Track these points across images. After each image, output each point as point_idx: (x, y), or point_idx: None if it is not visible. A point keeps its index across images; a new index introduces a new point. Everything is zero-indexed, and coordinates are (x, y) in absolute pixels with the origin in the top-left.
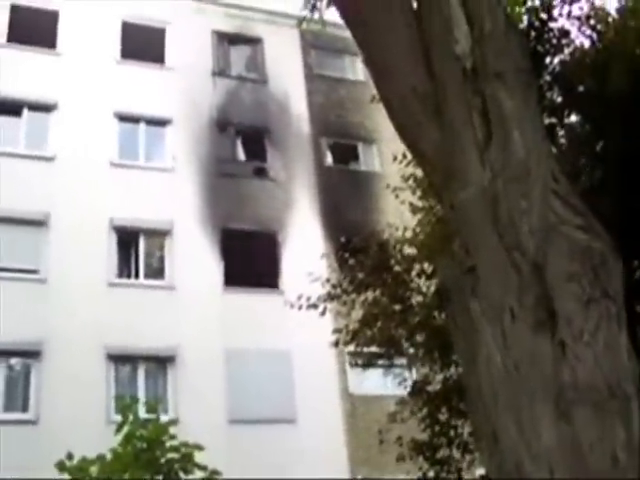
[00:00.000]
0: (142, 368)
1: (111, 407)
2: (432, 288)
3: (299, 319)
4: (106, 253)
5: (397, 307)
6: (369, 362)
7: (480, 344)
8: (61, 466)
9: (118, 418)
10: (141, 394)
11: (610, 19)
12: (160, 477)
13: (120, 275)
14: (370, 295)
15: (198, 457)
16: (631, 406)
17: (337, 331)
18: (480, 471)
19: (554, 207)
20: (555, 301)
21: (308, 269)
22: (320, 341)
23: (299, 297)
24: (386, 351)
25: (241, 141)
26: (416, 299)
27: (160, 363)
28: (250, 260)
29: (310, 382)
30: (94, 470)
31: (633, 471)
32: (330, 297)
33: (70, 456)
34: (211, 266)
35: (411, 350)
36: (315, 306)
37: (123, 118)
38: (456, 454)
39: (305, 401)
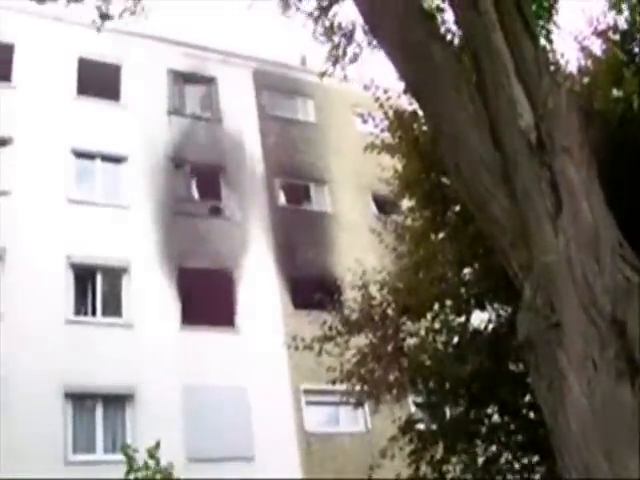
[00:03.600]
0: (100, 407)
1: (69, 447)
2: (422, 331)
3: (256, 357)
4: (63, 290)
5: (388, 348)
6: (359, 402)
7: (567, 390)
8: None
9: (76, 458)
10: (99, 433)
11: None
12: None
13: (77, 312)
14: (362, 337)
15: None
16: None
17: (331, 369)
18: None
19: (624, 270)
20: (636, 354)
21: (263, 307)
22: (276, 379)
23: (294, 338)
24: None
25: (196, 180)
26: (407, 341)
27: (118, 401)
28: (207, 298)
29: (267, 419)
30: None
31: None
32: (326, 338)
33: None
34: (168, 304)
35: (397, 389)
36: (310, 347)
37: (79, 154)
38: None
39: (262, 438)
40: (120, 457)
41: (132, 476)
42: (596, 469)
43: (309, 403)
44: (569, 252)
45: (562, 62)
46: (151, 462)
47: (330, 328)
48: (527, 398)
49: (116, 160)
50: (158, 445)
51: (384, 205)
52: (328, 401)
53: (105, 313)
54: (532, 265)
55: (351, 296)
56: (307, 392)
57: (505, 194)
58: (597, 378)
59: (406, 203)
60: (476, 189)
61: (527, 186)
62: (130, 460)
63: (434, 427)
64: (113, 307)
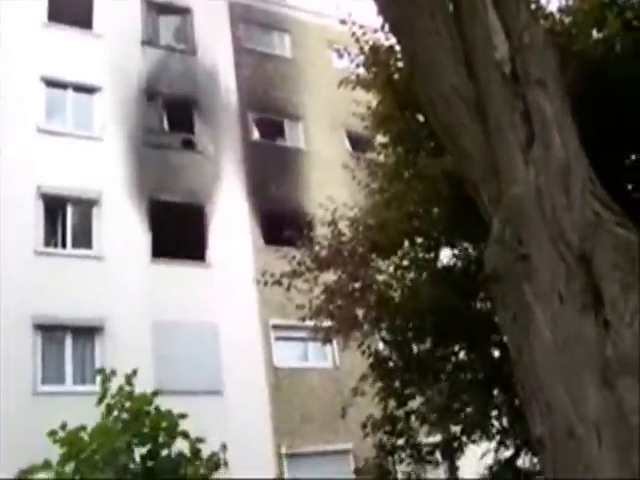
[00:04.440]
0: (69, 338)
1: (38, 378)
2: (391, 268)
3: (226, 292)
4: (33, 221)
5: (356, 285)
6: (327, 338)
7: (532, 323)
8: (53, 436)
9: (45, 389)
10: (68, 364)
11: None
12: (145, 448)
13: (47, 244)
14: (331, 274)
15: None
16: None
17: (300, 307)
18: (435, 439)
19: (593, 206)
20: (601, 287)
21: (234, 242)
22: (246, 314)
23: (263, 273)
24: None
25: (169, 112)
26: (375, 278)
27: (88, 333)
28: (178, 232)
29: (236, 354)
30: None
31: None
32: (294, 274)
33: (63, 426)
34: (139, 237)
35: (366, 326)
36: (279, 282)
37: (50, 83)
38: (414, 424)
39: (231, 373)
40: (89, 388)
41: (106, 401)
42: (556, 401)
43: (278, 338)
44: (539, 185)
45: (543, 1)
46: (127, 388)
47: (299, 264)
48: (493, 336)
49: (88, 90)
50: (135, 372)
51: (358, 143)
52: (297, 337)
53: (75, 245)
54: (502, 198)
55: (321, 232)
56: (276, 327)
57: (478, 125)
58: (562, 311)
59: (380, 139)
60: (448, 120)
61: (499, 117)
62: (105, 385)
63: (401, 364)
64: (83, 239)
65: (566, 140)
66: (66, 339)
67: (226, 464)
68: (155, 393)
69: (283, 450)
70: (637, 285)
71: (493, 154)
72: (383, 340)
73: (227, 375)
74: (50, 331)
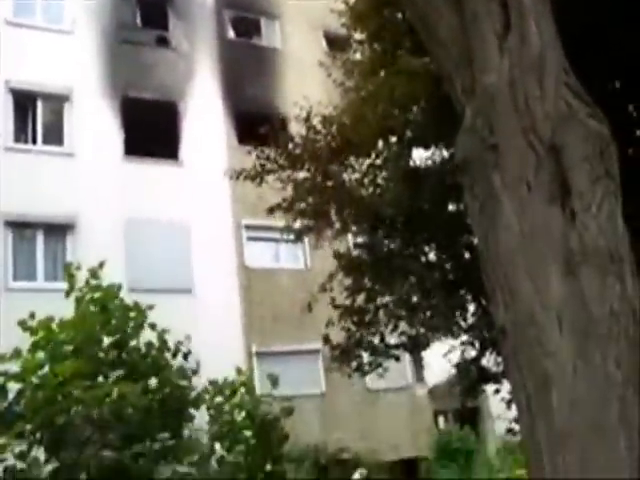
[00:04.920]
0: (41, 235)
1: (9, 274)
2: (364, 166)
3: (199, 191)
4: (2, 116)
5: (329, 183)
6: (298, 236)
7: (499, 212)
8: (23, 325)
9: (17, 285)
10: (40, 261)
11: None
12: (113, 338)
13: (17, 140)
14: (304, 173)
15: None
16: (625, 268)
17: (272, 209)
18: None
19: (566, 97)
20: (570, 178)
21: (208, 141)
22: (218, 213)
23: (236, 170)
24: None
25: (143, 7)
26: (349, 177)
27: (59, 230)
28: (151, 130)
29: (208, 254)
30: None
31: (627, 319)
32: (265, 171)
33: (32, 315)
34: (111, 134)
35: (338, 224)
36: (252, 178)
37: None
38: (383, 318)
39: (202, 272)
40: (61, 285)
41: (74, 294)
42: (520, 289)
43: (250, 239)
44: (513, 74)
45: None
46: (94, 281)
47: (270, 159)
48: (464, 238)
49: None
50: (102, 265)
51: (335, 43)
52: (269, 237)
53: (46, 141)
54: (475, 88)
55: (296, 130)
56: (248, 227)
57: (455, 15)
58: (530, 200)
59: (357, 37)
60: (426, 10)
61: (476, 6)
62: (71, 278)
63: (370, 260)
64: (54, 135)
65: (542, 29)
66: (37, 236)
67: (190, 352)
68: (121, 285)
69: (254, 349)
70: (605, 177)
71: (468, 43)
72: (355, 245)
73: (198, 274)
74: (21, 228)
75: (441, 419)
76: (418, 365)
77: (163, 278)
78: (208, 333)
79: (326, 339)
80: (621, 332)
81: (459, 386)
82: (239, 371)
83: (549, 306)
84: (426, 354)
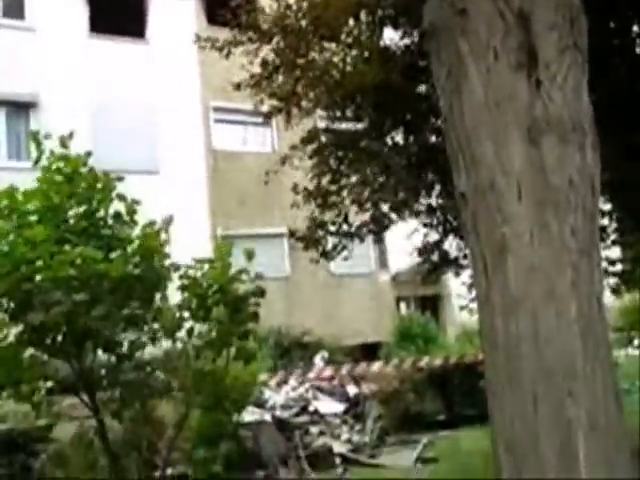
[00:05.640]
0: (3, 113)
1: None
2: (333, 45)
3: (167, 71)
4: None
5: (299, 61)
6: (267, 117)
7: (465, 77)
8: None
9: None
10: (2, 139)
11: None
12: (82, 208)
13: None
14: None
15: None
16: (587, 140)
17: (239, 84)
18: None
19: None
20: (537, 47)
21: (175, 20)
22: (186, 95)
23: (203, 39)
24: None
25: None
26: (318, 55)
27: (21, 108)
28: (117, 6)
29: (175, 136)
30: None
31: (585, 190)
32: (236, 42)
33: None
34: (76, 9)
35: (306, 104)
36: (221, 49)
37: None
38: (346, 201)
39: (169, 154)
40: (24, 164)
41: (41, 164)
42: (482, 156)
43: (218, 121)
44: None
45: None
46: (62, 150)
47: (243, 31)
48: (432, 122)
49: None
50: (71, 135)
51: None
52: (237, 120)
53: (6, 14)
54: None
55: (267, 4)
56: (217, 110)
57: None
58: (496, 67)
59: None
60: None
61: None
62: (38, 146)
63: (336, 141)
64: (15, 9)
65: None
66: None
67: (166, 230)
68: (89, 154)
69: (219, 232)
70: (573, 48)
71: None
72: (322, 127)
73: (165, 156)
74: None
75: (403, 305)
76: (382, 252)
77: (129, 159)
78: (175, 215)
79: (292, 232)
80: (579, 202)
81: (421, 273)
82: (217, 247)
83: (510, 173)
84: (390, 241)
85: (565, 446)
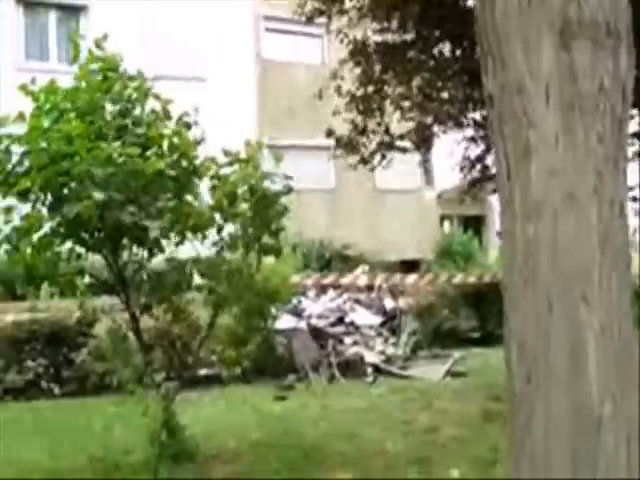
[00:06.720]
0: (53, 16)
1: (21, 53)
2: None
3: None
4: None
5: None
6: (309, 19)
7: None
8: (25, 89)
9: (29, 65)
10: (52, 42)
11: None
12: (118, 106)
13: None
14: None
15: None
16: (622, 44)
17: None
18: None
19: None
20: None
21: None
22: (236, 2)
23: None
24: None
25: None
26: None
27: (72, 12)
28: None
29: (223, 44)
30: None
31: (616, 96)
32: None
33: (33, 81)
34: None
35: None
36: None
37: None
38: (388, 108)
39: (217, 62)
40: (74, 69)
41: (78, 63)
42: (511, 58)
43: (268, 30)
44: None
45: None
46: (97, 51)
47: None
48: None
49: None
50: (106, 37)
51: None
52: (288, 30)
53: None
54: None
55: None
56: (267, 18)
57: None
58: None
59: None
60: None
61: None
62: (76, 47)
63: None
64: None
65: None
66: (50, 16)
67: (196, 123)
68: (122, 56)
69: (265, 141)
70: None
71: None
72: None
73: (213, 63)
74: (34, 6)
75: (446, 224)
76: (427, 169)
77: (177, 65)
78: (220, 122)
79: (330, 131)
80: (607, 109)
81: (464, 190)
82: (248, 144)
83: (539, 76)
84: (436, 160)
85: (575, 347)
